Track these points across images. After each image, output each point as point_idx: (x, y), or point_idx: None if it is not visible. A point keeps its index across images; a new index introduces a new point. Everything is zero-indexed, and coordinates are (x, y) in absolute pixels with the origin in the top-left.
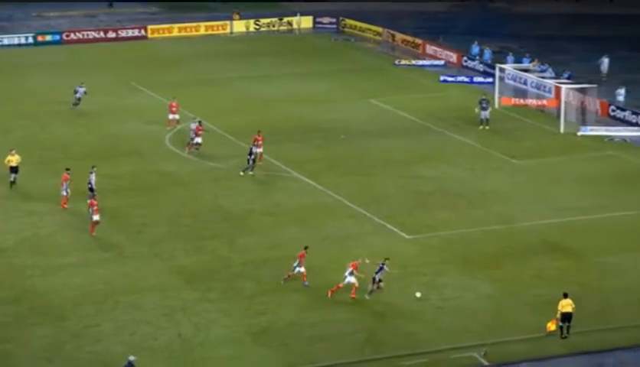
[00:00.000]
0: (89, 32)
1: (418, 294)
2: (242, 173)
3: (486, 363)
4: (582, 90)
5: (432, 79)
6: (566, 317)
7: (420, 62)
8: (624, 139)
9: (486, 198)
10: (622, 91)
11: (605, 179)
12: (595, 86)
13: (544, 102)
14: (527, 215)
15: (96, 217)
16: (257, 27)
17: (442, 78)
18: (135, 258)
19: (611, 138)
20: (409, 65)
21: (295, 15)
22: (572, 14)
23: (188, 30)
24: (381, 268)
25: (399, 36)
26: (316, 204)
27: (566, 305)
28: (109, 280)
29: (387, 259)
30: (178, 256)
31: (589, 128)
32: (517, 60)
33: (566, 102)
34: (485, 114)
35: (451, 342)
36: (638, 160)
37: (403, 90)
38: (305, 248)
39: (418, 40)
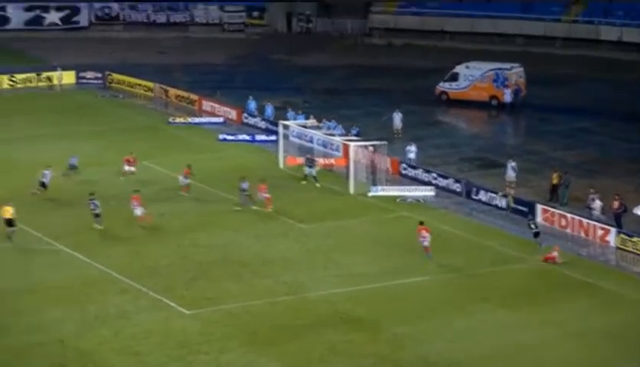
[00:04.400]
0: None
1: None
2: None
3: None
4: (371, 148)
5: (210, 138)
6: None
7: (197, 119)
8: (417, 199)
9: (273, 266)
10: (412, 148)
11: (398, 243)
12: (385, 142)
13: (332, 161)
14: (316, 283)
15: None
16: (12, 83)
17: (220, 136)
18: None
19: (403, 199)
20: (184, 123)
21: (55, 70)
22: (356, 65)
23: None
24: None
25: (172, 91)
26: (83, 279)
27: None
28: None
29: None
30: None
31: (379, 188)
32: (295, 117)
33: (355, 161)
34: (312, 171)
35: None
36: (431, 222)
37: (179, 151)
38: (421, 222)
39: (194, 96)
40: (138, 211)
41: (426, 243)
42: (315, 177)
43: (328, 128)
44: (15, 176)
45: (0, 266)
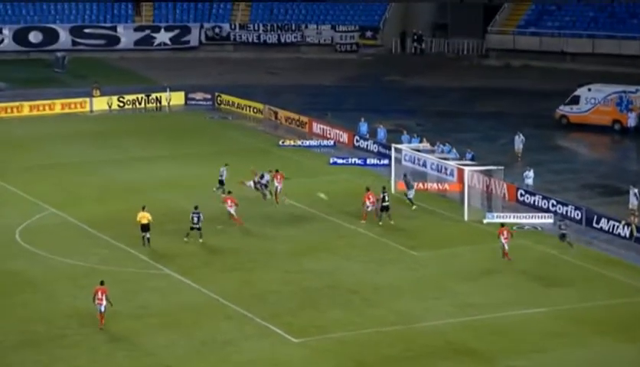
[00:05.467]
0: None
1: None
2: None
3: None
4: (487, 173)
5: (320, 162)
6: None
7: (307, 142)
8: (534, 227)
9: (383, 294)
10: (530, 173)
11: (514, 272)
12: (501, 168)
13: (446, 186)
14: (428, 313)
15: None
16: (121, 104)
17: (331, 160)
18: None
19: (520, 226)
20: (294, 145)
21: (164, 91)
22: (472, 87)
23: (41, 108)
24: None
25: (282, 113)
26: (190, 304)
27: None
28: None
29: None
30: None
31: (495, 214)
32: (409, 140)
33: (469, 187)
34: (409, 193)
35: None
36: (549, 251)
37: (289, 174)
38: (502, 224)
39: (304, 118)
40: (232, 210)
41: (507, 247)
42: (410, 199)
43: (442, 152)
44: (132, 198)
45: (108, 290)
